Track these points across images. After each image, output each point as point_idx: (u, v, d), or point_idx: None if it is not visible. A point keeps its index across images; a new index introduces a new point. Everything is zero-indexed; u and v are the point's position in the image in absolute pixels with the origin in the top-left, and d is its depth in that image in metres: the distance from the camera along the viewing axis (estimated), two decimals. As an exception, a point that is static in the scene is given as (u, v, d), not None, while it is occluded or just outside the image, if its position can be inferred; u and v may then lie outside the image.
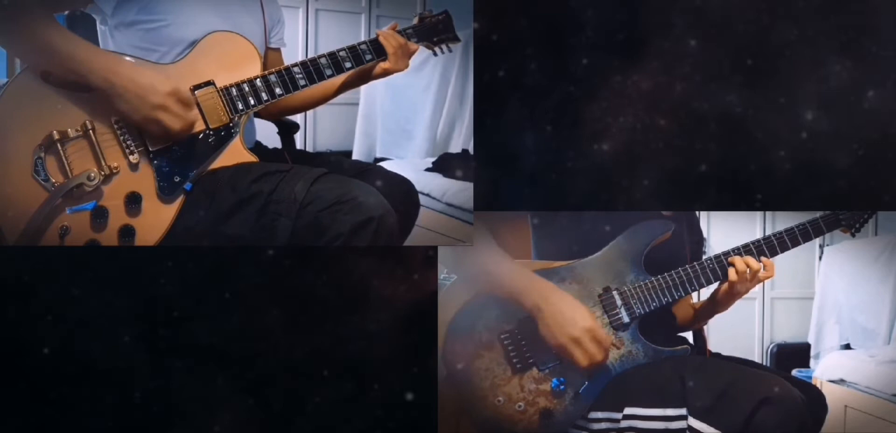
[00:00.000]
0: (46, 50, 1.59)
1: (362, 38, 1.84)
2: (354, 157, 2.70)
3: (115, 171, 1.63)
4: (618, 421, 1.74)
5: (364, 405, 1.76)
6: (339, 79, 1.85)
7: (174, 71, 1.69)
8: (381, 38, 1.84)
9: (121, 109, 1.62)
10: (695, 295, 1.89)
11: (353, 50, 1.81)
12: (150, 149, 1.65)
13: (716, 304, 1.84)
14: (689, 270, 1.79)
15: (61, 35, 1.61)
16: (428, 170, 2.54)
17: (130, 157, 1.64)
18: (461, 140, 2.72)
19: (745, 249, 1.79)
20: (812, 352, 2.57)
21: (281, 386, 1.75)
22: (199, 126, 1.68)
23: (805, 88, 1.46)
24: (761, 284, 1.86)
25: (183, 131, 1.66)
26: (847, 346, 2.51)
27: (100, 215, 1.62)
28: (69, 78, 1.60)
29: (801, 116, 1.47)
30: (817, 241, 2.29)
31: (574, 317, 1.72)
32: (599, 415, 1.75)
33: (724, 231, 2.07)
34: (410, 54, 1.88)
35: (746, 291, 1.80)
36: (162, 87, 1.63)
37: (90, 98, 1.62)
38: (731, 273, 1.77)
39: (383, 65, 1.84)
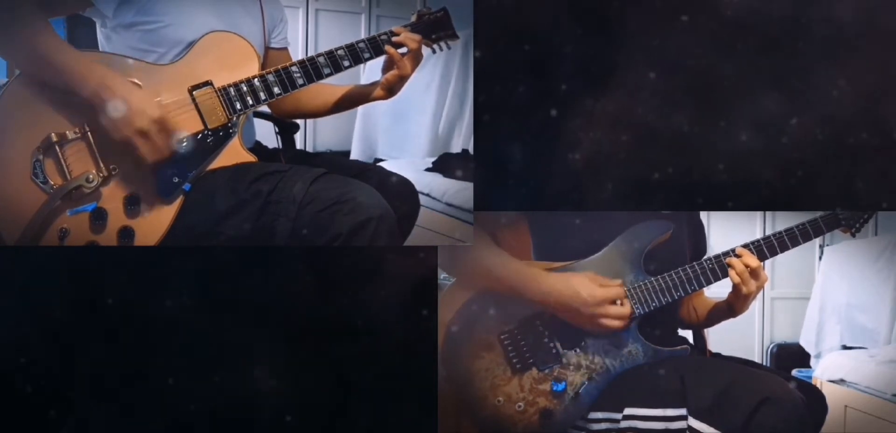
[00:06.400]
0: (40, 59, 1.59)
1: (362, 38, 1.83)
2: (353, 156, 2.69)
3: (113, 172, 1.63)
4: (618, 421, 1.73)
5: (364, 404, 1.76)
6: (342, 90, 1.85)
7: (171, 74, 1.69)
8: (404, 38, 1.80)
9: (103, 124, 1.61)
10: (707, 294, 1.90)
11: (351, 49, 1.80)
12: None
13: (730, 308, 1.84)
14: (689, 270, 1.79)
15: (56, 44, 1.60)
16: (428, 170, 2.54)
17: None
18: (461, 140, 2.72)
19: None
20: (803, 351, 2.57)
21: (280, 385, 1.75)
22: (198, 127, 1.68)
23: (740, 112, 1.78)
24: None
25: (155, 163, 1.64)
26: (845, 347, 2.51)
27: (99, 217, 1.62)
28: (62, 88, 1.59)
29: (735, 135, 1.78)
30: (817, 241, 2.29)
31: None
32: (599, 415, 1.75)
33: (724, 231, 2.06)
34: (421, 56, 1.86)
35: (752, 290, 1.78)
36: (150, 113, 1.61)
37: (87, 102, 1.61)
38: (732, 275, 1.77)
39: (394, 72, 1.81)
